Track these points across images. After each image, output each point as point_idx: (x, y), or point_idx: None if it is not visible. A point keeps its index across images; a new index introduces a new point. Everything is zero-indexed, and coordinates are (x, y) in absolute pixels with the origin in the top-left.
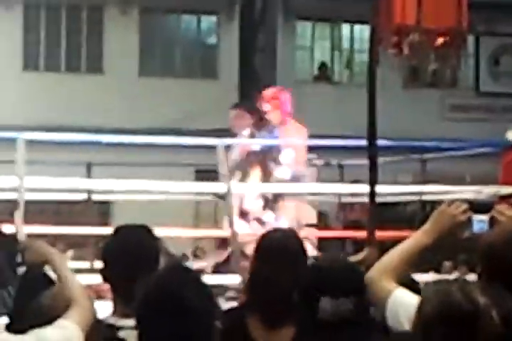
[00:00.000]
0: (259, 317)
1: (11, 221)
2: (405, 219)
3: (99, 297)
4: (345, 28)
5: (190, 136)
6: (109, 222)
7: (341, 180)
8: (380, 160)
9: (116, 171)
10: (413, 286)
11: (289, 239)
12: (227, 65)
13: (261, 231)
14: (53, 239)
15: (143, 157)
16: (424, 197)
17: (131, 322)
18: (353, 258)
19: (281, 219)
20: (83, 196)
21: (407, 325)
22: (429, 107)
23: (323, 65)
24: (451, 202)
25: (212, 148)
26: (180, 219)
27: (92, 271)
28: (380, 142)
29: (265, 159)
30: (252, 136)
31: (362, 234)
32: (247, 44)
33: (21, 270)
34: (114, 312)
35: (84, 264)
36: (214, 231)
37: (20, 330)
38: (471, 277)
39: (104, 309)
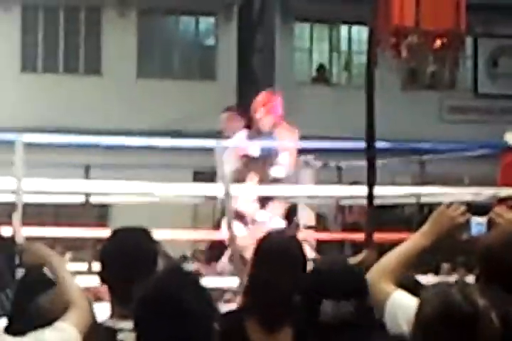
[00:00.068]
0: (257, 319)
1: (9, 223)
2: (403, 221)
3: (98, 299)
4: (344, 30)
5: (188, 138)
6: (108, 224)
7: (339, 181)
8: (379, 161)
9: (115, 173)
10: (417, 288)
11: (289, 242)
12: (225, 67)
13: (257, 232)
14: (51, 241)
15: (141, 159)
16: (423, 199)
17: (129, 324)
18: (352, 261)
19: (276, 219)
20: (81, 198)
21: (405, 327)
22: (427, 109)
23: (321, 67)
24: (450, 204)
25: (210, 149)
26: (179, 221)
27: (90, 273)
28: (379, 144)
29: (265, 165)
30: (249, 138)
31: (360, 236)
32: (245, 45)
33: (20, 272)
34: (113, 315)
35: (83, 266)
36: (213, 233)
37: (19, 332)
38: (470, 279)
39: (103, 311)
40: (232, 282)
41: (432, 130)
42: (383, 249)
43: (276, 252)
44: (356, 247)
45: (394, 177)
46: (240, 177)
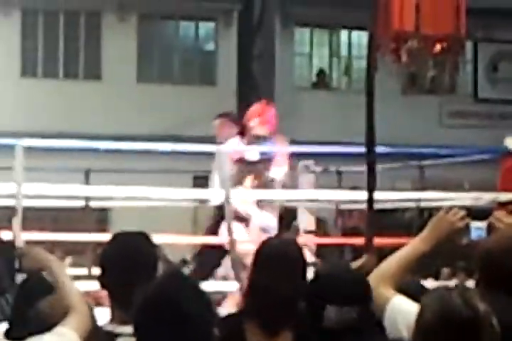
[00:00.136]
0: (257, 324)
1: (9, 228)
2: (403, 226)
3: (98, 304)
4: (344, 35)
5: (188, 143)
6: (107, 228)
7: (339, 186)
8: (379, 166)
9: (115, 178)
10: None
11: (289, 247)
12: (225, 72)
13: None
14: (51, 246)
15: (141, 163)
16: (423, 204)
17: (129, 329)
18: (352, 265)
19: (270, 218)
20: (81, 203)
21: (405, 333)
22: (427, 114)
23: (321, 72)
24: (450, 208)
25: (210, 154)
26: (179, 225)
27: (90, 277)
28: (379, 149)
29: (263, 168)
30: (247, 143)
31: (360, 240)
32: (245, 50)
33: (20, 277)
34: (112, 319)
35: (83, 271)
36: (213, 238)
37: (19, 337)
38: (470, 283)
39: (103, 316)
40: (232, 286)
41: (431, 135)
42: (383, 253)
43: (276, 256)
44: (356, 252)
45: (394, 182)
46: (235, 182)
